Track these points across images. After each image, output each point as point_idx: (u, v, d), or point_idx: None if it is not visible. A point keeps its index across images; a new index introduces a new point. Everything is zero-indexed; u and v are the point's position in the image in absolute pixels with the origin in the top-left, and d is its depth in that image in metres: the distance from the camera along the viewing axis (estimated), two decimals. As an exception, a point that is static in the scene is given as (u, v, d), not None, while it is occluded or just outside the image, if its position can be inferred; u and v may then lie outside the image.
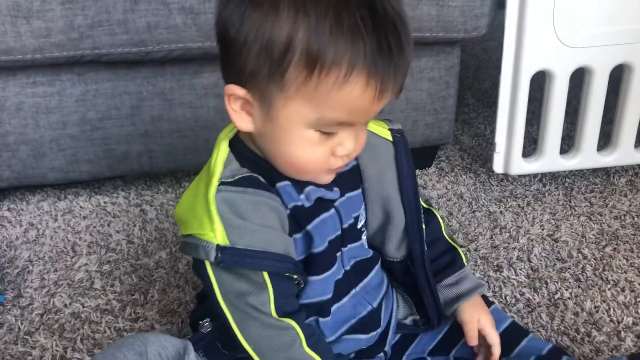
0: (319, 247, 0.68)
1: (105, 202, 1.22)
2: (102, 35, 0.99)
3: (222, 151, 0.65)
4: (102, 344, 0.89)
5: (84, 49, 1.00)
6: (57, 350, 0.88)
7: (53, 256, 1.07)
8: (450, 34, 1.10)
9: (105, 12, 0.98)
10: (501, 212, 1.18)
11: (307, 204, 0.67)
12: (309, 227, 0.67)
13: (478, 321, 0.76)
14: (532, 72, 1.12)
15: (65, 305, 0.96)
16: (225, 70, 0.62)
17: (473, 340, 0.76)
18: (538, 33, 1.07)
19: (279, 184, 0.65)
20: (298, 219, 0.66)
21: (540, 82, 1.16)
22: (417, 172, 1.32)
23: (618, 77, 1.16)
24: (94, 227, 1.15)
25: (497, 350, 0.76)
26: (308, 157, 0.61)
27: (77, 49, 1.00)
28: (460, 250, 0.80)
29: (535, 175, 1.28)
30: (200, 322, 0.71)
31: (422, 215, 0.76)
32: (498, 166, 1.21)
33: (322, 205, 0.68)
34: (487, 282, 0.99)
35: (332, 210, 0.69)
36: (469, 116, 1.57)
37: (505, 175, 1.28)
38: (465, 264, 0.80)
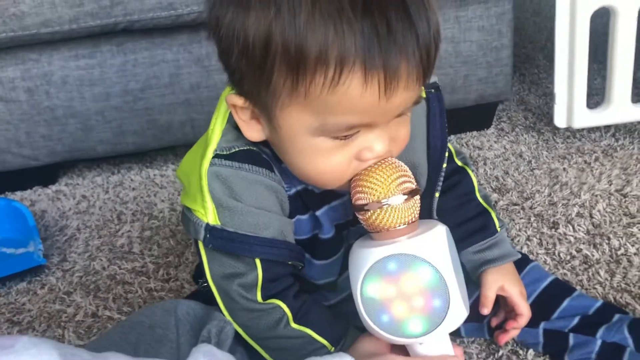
0: (328, 233, 0.63)
1: (154, 175, 1.24)
2: (132, 1, 1.00)
3: (221, 115, 0.58)
4: (133, 303, 0.89)
5: (116, 16, 1.01)
6: (89, 309, 0.89)
7: (100, 224, 1.09)
8: (495, -26, 1.01)
9: (134, -23, 0.98)
10: (564, 169, 1.07)
11: (317, 190, 0.61)
12: (317, 213, 0.62)
13: (502, 288, 0.67)
14: (592, 9, 1.00)
15: (104, 268, 0.97)
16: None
17: (484, 308, 0.67)
18: (594, -37, 0.96)
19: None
20: (306, 202, 0.61)
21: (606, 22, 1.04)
22: (474, 133, 1.23)
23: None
24: (141, 197, 1.16)
25: (522, 321, 0.67)
26: (323, 167, 0.52)
27: (109, 17, 1.01)
28: (494, 214, 0.70)
29: (607, 130, 1.15)
30: (200, 280, 0.69)
31: (440, 182, 0.66)
32: (560, 119, 1.10)
33: (334, 192, 0.60)
34: (540, 239, 0.90)
35: (346, 197, 0.60)
36: (538, 77, 1.44)
37: (573, 133, 1.16)
38: (498, 229, 0.70)
